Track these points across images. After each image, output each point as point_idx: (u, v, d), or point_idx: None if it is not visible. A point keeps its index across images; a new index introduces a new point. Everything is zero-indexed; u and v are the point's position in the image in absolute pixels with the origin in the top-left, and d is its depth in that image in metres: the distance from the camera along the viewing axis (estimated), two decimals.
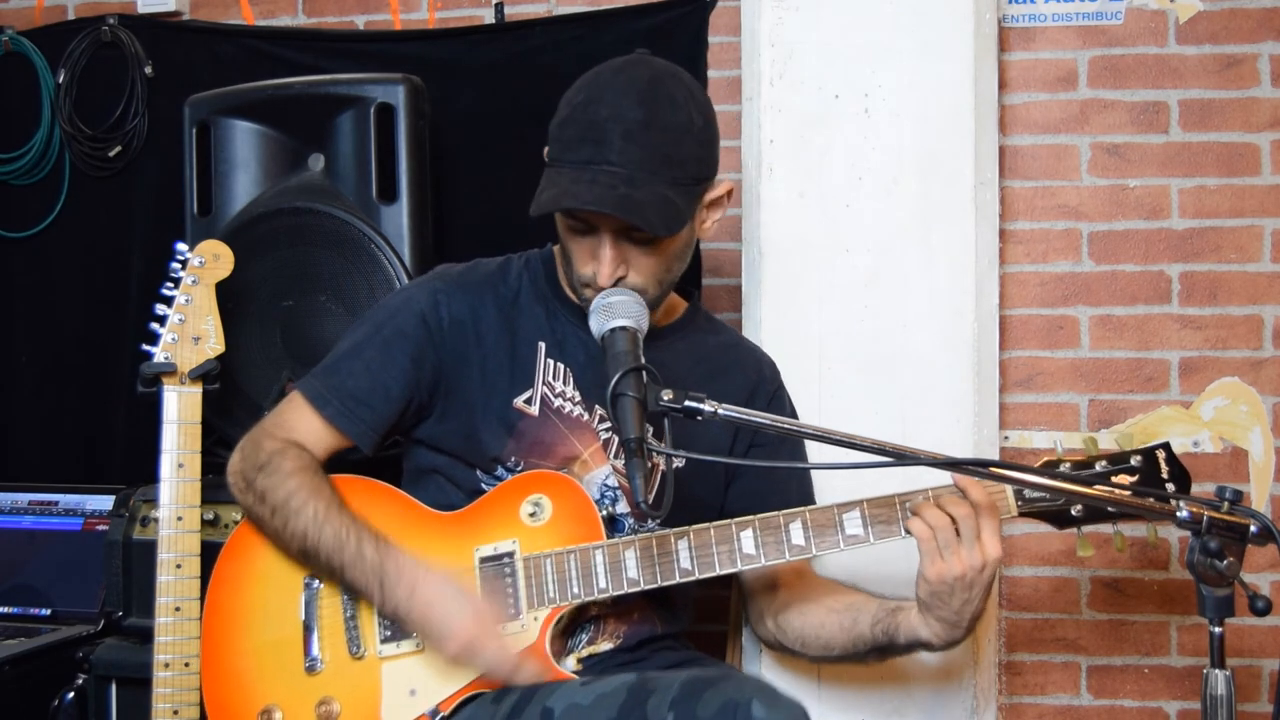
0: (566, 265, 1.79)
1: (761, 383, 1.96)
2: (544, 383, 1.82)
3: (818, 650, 1.83)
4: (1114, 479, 1.67)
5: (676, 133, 1.67)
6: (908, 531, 1.65)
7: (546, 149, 1.74)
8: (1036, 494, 1.67)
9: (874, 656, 1.78)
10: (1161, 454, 1.70)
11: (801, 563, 1.90)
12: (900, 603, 1.73)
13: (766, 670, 2.25)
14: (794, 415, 2.02)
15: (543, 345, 1.83)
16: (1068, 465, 1.68)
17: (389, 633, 1.74)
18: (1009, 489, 1.67)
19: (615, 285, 1.70)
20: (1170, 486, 1.68)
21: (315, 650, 1.75)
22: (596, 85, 1.69)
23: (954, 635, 1.66)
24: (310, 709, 1.73)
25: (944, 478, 1.65)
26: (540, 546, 1.73)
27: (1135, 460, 1.69)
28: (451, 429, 1.83)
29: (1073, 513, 1.67)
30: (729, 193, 1.80)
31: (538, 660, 1.69)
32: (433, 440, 1.85)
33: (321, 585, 1.78)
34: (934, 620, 1.65)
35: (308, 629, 1.76)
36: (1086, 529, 1.70)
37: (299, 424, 1.82)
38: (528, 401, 1.81)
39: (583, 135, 1.66)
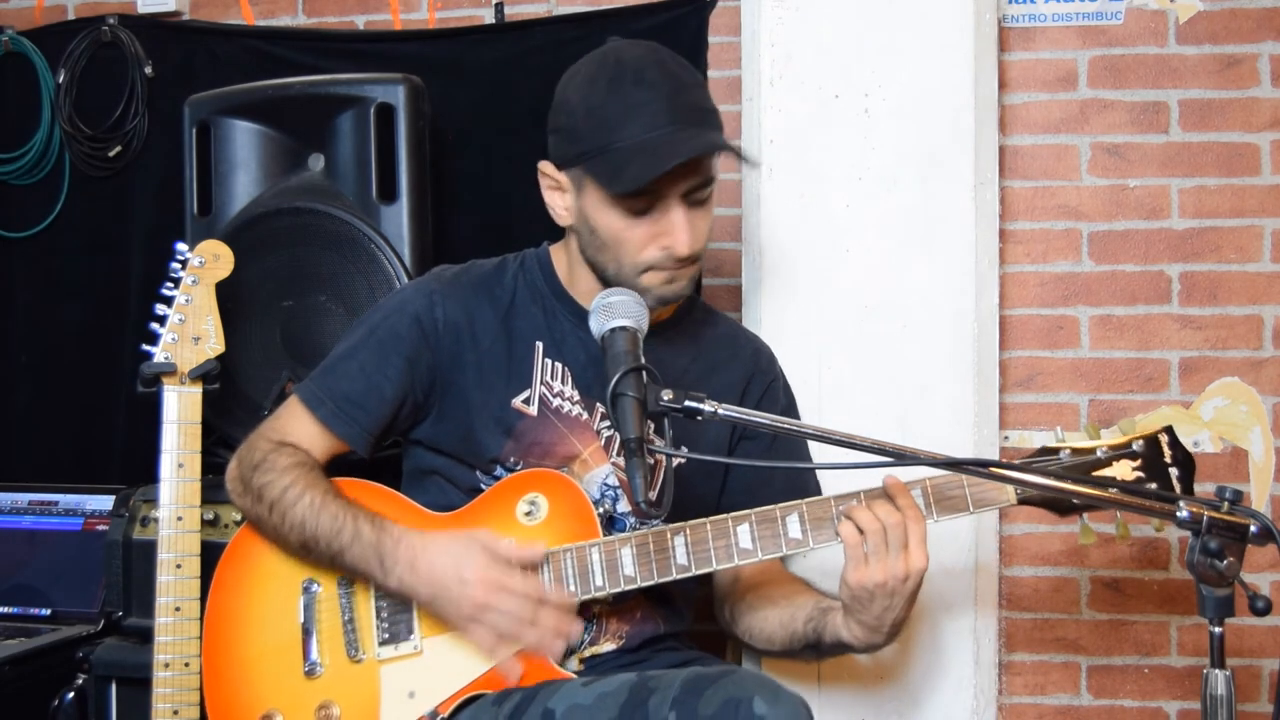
0: (611, 261, 1.75)
1: (757, 373, 1.96)
2: (542, 382, 1.82)
3: (762, 643, 1.83)
4: (1116, 464, 1.65)
5: (699, 89, 1.76)
6: (837, 534, 1.63)
7: (564, 147, 1.74)
8: None
9: (809, 653, 1.78)
10: (1165, 438, 1.68)
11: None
12: (833, 603, 1.72)
13: (766, 670, 2.25)
14: (791, 404, 2.02)
15: (540, 345, 1.83)
16: (1068, 452, 1.67)
17: (387, 635, 1.74)
18: None
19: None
20: (1174, 471, 1.66)
21: (314, 654, 1.75)
22: (606, 71, 1.72)
23: (874, 639, 1.65)
24: (310, 713, 1.73)
25: (924, 476, 1.65)
26: None
27: (1137, 445, 1.67)
28: (449, 430, 1.83)
29: (1074, 500, 1.65)
30: None
31: (560, 608, 1.66)
32: (431, 441, 1.85)
33: (320, 589, 1.78)
34: (855, 624, 1.64)
35: (307, 633, 1.76)
36: (1089, 516, 1.69)
37: (295, 427, 1.83)
38: (526, 402, 1.81)
39: (627, 113, 1.67)
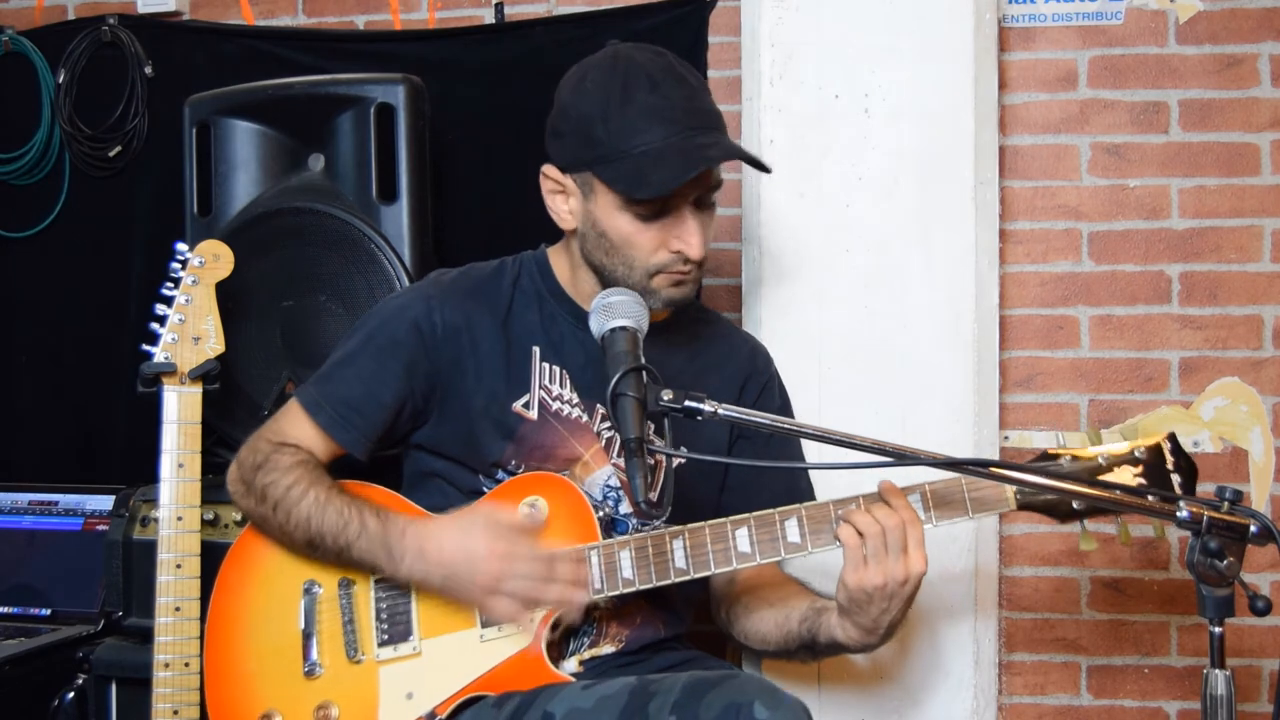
0: (621, 264, 1.75)
1: (754, 373, 1.96)
2: (540, 386, 1.82)
3: (757, 644, 1.83)
4: (1118, 470, 1.64)
5: (705, 93, 1.76)
6: (836, 539, 1.63)
7: (573, 151, 1.73)
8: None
9: (804, 654, 1.78)
10: (1167, 445, 1.67)
11: None
12: (827, 603, 1.72)
13: (766, 670, 2.25)
14: (786, 404, 2.02)
15: (537, 349, 1.83)
16: (1067, 458, 1.66)
17: (386, 636, 1.75)
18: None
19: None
20: (1176, 478, 1.65)
21: (314, 655, 1.76)
22: (618, 75, 1.71)
23: (869, 641, 1.65)
24: (309, 713, 1.73)
25: (924, 480, 1.64)
26: None
27: (1139, 453, 1.66)
28: (450, 434, 1.82)
29: (1074, 505, 1.64)
30: None
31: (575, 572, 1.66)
32: (432, 445, 1.85)
33: (321, 591, 1.78)
34: (850, 625, 1.64)
35: (307, 634, 1.76)
36: (1089, 522, 1.68)
37: (294, 431, 1.83)
38: (526, 406, 1.81)
39: (645, 118, 1.68)
